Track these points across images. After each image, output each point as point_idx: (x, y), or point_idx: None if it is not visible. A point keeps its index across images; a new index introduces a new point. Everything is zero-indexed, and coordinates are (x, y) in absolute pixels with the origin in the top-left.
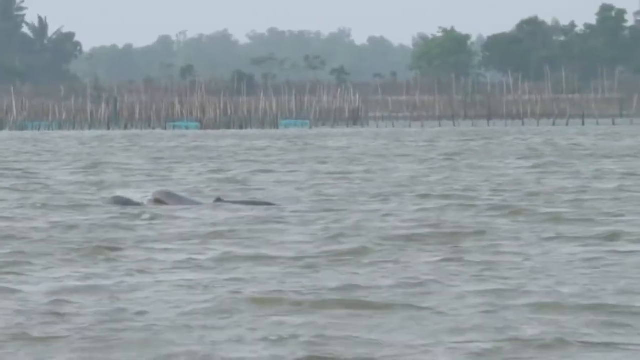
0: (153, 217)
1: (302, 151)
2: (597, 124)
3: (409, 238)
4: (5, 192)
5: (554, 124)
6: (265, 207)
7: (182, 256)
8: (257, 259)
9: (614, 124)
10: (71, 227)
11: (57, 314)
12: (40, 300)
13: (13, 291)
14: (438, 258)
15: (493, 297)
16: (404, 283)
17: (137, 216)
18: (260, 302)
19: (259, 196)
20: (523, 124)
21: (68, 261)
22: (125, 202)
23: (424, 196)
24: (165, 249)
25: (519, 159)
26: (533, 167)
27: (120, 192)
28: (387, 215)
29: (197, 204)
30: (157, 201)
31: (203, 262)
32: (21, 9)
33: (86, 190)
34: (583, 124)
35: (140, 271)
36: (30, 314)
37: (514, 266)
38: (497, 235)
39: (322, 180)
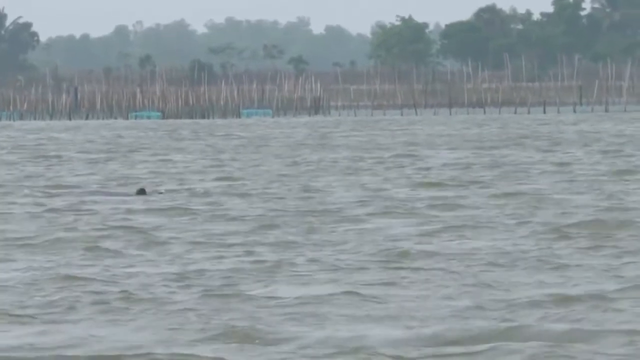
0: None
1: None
2: (558, 112)
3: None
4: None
5: (515, 112)
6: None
7: None
8: None
9: (574, 111)
10: None
11: None
12: None
13: None
14: None
15: None
16: None
17: None
18: None
19: None
20: (484, 113)
21: None
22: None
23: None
24: None
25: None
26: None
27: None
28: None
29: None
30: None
31: None
32: None
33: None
34: (544, 112)
35: None
36: None
37: None
38: None
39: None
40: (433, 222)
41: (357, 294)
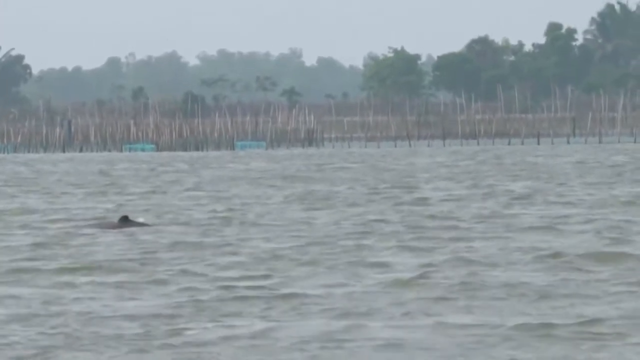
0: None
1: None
2: (552, 143)
3: None
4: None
5: (509, 144)
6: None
7: None
8: None
9: (568, 142)
10: None
11: None
12: None
13: None
14: None
15: None
16: None
17: None
18: None
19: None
20: (478, 144)
21: None
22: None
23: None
24: None
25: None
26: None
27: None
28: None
29: None
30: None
31: None
32: None
33: None
34: (538, 143)
35: None
36: None
37: None
38: None
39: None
40: None
41: None
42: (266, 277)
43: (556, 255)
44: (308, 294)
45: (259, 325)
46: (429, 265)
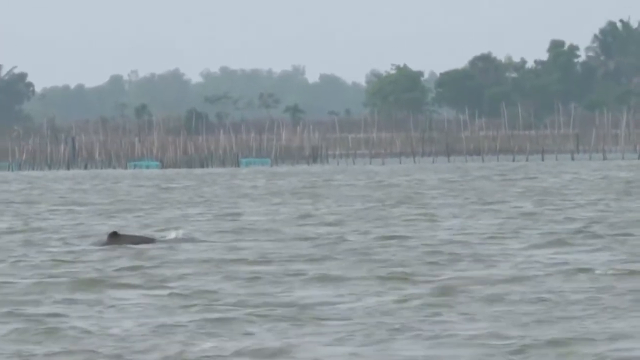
0: None
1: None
2: (557, 159)
3: None
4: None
5: (513, 160)
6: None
7: None
8: None
9: (572, 159)
10: None
11: None
12: None
13: None
14: None
15: None
16: None
17: None
18: None
19: None
20: (483, 160)
21: None
22: None
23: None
24: None
25: None
26: None
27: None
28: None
29: None
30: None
31: None
32: None
33: None
34: (542, 159)
35: None
36: None
37: None
38: None
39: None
40: None
41: None
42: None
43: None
44: None
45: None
46: None
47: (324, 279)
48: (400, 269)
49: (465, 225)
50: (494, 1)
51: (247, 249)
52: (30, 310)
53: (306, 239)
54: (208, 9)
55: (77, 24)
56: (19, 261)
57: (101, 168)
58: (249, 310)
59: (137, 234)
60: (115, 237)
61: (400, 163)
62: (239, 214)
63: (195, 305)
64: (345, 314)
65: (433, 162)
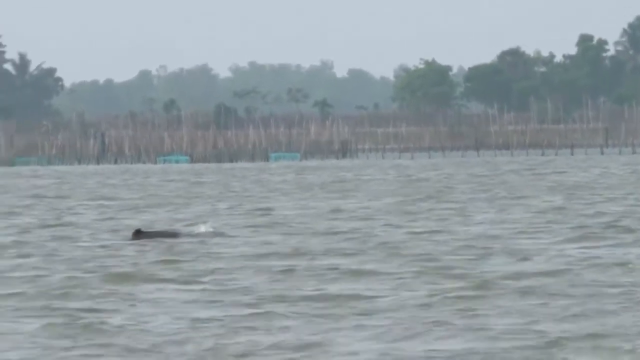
0: None
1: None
2: (586, 154)
3: None
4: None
5: (543, 154)
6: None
7: None
8: None
9: (602, 153)
10: None
11: None
12: None
13: None
14: None
15: None
16: None
17: None
18: None
19: None
20: (512, 155)
21: None
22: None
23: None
24: None
25: None
26: None
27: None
28: None
29: None
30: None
31: None
32: (0, 45)
33: None
34: (572, 154)
35: None
36: None
37: None
38: None
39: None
40: None
41: None
42: None
43: None
44: None
45: None
46: None
47: (357, 273)
48: (433, 264)
49: (497, 219)
50: None
51: (278, 243)
52: (64, 304)
53: (338, 233)
54: (237, 3)
55: (106, 20)
56: (51, 255)
57: (130, 163)
58: (283, 304)
59: (162, 229)
60: (139, 235)
61: (429, 157)
62: (269, 209)
63: (229, 299)
64: (380, 308)
65: (462, 156)
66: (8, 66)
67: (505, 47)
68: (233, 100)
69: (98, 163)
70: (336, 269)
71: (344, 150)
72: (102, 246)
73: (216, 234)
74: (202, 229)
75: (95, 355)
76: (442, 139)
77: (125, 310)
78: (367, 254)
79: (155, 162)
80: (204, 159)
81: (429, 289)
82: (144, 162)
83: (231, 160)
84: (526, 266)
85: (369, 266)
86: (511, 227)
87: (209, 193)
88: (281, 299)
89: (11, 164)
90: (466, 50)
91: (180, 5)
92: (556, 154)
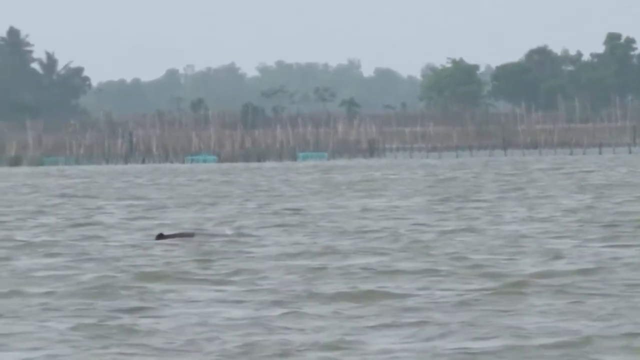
0: None
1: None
2: (614, 152)
3: None
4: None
5: (571, 153)
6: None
7: None
8: None
9: (630, 152)
10: None
11: None
12: None
13: None
14: None
15: None
16: None
17: None
18: None
19: None
20: (540, 154)
21: None
22: None
23: None
24: None
25: None
26: None
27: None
28: None
29: None
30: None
31: None
32: (28, 44)
33: None
34: (600, 153)
35: None
36: None
37: None
38: None
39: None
40: None
41: None
42: None
43: None
44: None
45: None
46: None
47: (388, 272)
48: (464, 263)
49: (527, 218)
50: None
51: (308, 242)
52: (96, 304)
53: (367, 232)
54: (265, 2)
55: (133, 19)
56: (81, 254)
57: (158, 162)
58: (316, 303)
59: (185, 230)
60: (162, 238)
61: (457, 157)
62: (298, 208)
63: (260, 298)
64: (413, 307)
65: (490, 155)
66: (35, 65)
67: (533, 46)
68: (260, 99)
69: (126, 162)
70: (369, 268)
71: (372, 150)
72: (132, 245)
73: (242, 234)
74: (229, 230)
75: (128, 354)
76: (469, 138)
77: (157, 309)
78: (397, 252)
79: (183, 162)
80: (232, 159)
81: (462, 288)
82: (172, 162)
83: (259, 160)
84: (558, 265)
85: (400, 265)
86: (541, 226)
87: (237, 192)
88: (313, 298)
89: (39, 163)
90: (493, 49)
91: (207, 4)
92: (584, 153)
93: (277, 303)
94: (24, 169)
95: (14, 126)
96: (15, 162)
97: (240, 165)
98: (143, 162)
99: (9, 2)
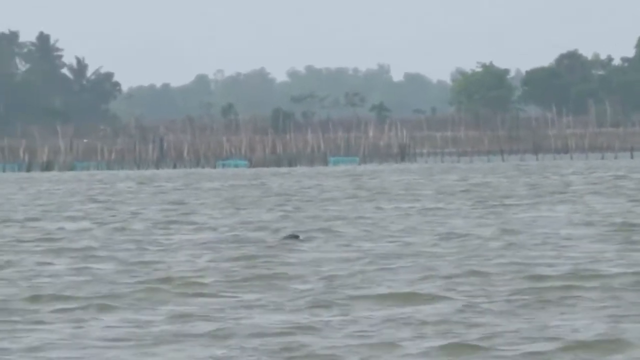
0: None
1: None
2: None
3: None
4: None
5: (602, 158)
6: None
7: None
8: None
9: None
10: None
11: None
12: None
13: None
14: None
15: None
16: None
17: None
18: None
19: None
20: (571, 158)
21: None
22: None
23: None
24: None
25: None
26: None
27: None
28: None
29: None
30: None
31: None
32: (57, 49)
33: None
34: (632, 157)
35: None
36: None
37: None
38: None
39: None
40: None
41: None
42: None
43: None
44: None
45: None
46: None
47: (465, 275)
48: (517, 267)
49: (570, 221)
50: None
51: (362, 248)
52: (153, 307)
53: (416, 234)
54: (294, 7)
55: (162, 24)
56: (128, 258)
57: (189, 167)
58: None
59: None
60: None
61: (488, 161)
62: (341, 212)
63: (326, 303)
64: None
65: (521, 160)
66: (65, 71)
67: (563, 50)
68: (290, 104)
69: (157, 168)
70: (434, 269)
71: (403, 154)
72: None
73: (301, 239)
74: (282, 235)
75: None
76: (500, 142)
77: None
78: (451, 256)
79: (214, 167)
80: (263, 163)
81: (523, 292)
82: (203, 167)
83: (290, 165)
84: (604, 268)
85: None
86: (585, 231)
87: (273, 198)
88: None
89: (71, 168)
90: (523, 54)
91: (237, 10)
92: (615, 157)
93: (345, 311)
94: (70, 174)
95: (44, 131)
96: (47, 167)
97: (272, 170)
98: (174, 167)
99: (38, 7)
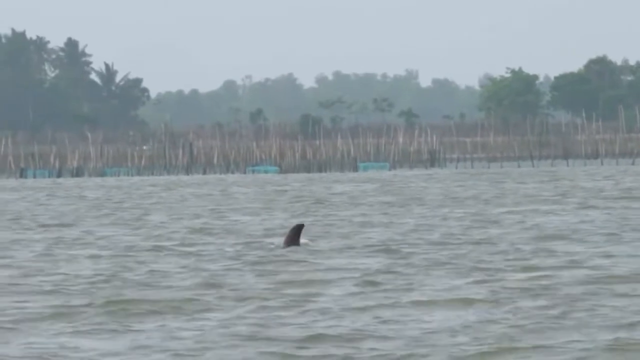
0: None
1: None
2: None
3: None
4: None
5: (633, 163)
6: None
7: None
8: None
9: None
10: None
11: None
12: None
13: None
14: None
15: None
16: None
17: None
18: None
19: None
20: (602, 164)
21: None
22: None
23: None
24: None
25: None
26: None
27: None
28: None
29: None
30: None
31: None
32: (85, 55)
33: None
34: None
35: None
36: None
37: None
38: None
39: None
40: None
41: None
42: None
43: None
44: None
45: None
46: None
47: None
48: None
49: (604, 225)
50: (609, 4)
51: (408, 254)
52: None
53: (454, 240)
54: (322, 14)
55: (190, 31)
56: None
57: (219, 173)
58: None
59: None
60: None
61: (518, 167)
62: (383, 219)
63: (365, 306)
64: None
65: (551, 165)
66: (94, 77)
67: (592, 56)
68: (318, 110)
69: (187, 173)
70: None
71: (432, 160)
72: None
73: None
74: (307, 240)
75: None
76: (530, 148)
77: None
78: (492, 260)
79: (245, 172)
80: (293, 169)
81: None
82: (233, 172)
83: (320, 170)
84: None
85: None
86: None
87: (308, 203)
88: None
89: (102, 174)
90: (552, 59)
91: (264, 17)
92: None
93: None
94: (108, 180)
95: (73, 137)
96: (77, 173)
97: (302, 175)
98: (204, 172)
99: (67, 13)
